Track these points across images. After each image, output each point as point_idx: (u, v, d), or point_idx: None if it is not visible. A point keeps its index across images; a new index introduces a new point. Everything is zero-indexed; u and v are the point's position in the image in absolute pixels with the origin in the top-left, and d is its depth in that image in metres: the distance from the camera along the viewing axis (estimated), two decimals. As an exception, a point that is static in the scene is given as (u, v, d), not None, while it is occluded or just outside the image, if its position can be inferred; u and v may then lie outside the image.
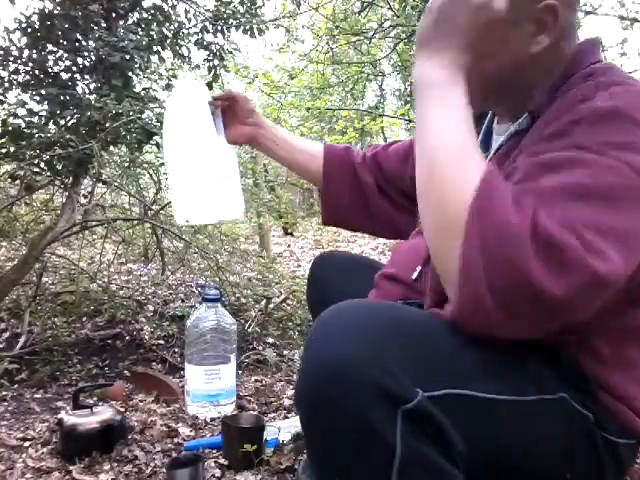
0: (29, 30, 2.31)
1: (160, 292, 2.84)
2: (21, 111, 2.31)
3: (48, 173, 2.33)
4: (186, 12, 2.71)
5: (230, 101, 1.17)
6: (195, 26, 2.73)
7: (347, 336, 0.58)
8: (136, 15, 2.59)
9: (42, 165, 2.29)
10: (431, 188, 0.66)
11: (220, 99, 1.15)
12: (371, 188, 1.19)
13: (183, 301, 2.75)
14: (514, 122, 0.81)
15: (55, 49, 2.36)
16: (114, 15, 2.47)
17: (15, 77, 2.35)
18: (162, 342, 2.27)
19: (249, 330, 2.44)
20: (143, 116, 2.30)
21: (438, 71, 0.69)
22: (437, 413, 0.58)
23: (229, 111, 1.17)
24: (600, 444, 0.72)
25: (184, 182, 1.02)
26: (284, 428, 1.42)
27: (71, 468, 1.26)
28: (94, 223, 2.71)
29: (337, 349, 0.57)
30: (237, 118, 1.18)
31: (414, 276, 0.93)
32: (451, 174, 0.64)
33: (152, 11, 2.57)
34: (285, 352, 2.32)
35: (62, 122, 2.35)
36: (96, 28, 2.32)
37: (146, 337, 2.27)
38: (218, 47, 2.76)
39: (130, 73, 2.43)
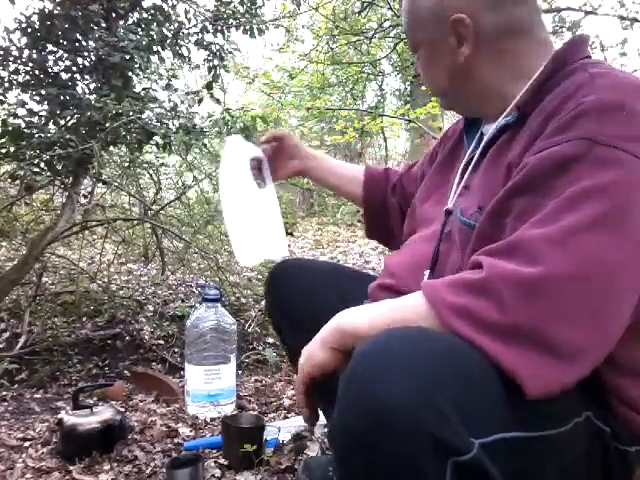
0: (29, 30, 2.31)
1: (160, 292, 2.84)
2: (21, 111, 2.31)
3: (48, 173, 2.33)
4: (186, 12, 2.71)
5: (276, 141, 1.23)
6: (195, 26, 2.73)
7: (397, 376, 0.54)
8: (136, 15, 2.59)
9: (42, 165, 2.29)
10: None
11: (267, 142, 1.22)
12: (396, 211, 1.22)
13: (183, 301, 2.75)
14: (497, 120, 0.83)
15: (55, 49, 2.36)
16: (114, 15, 2.47)
17: (15, 77, 2.35)
18: (162, 342, 2.27)
19: (249, 330, 2.44)
20: (143, 116, 2.30)
21: None
22: (487, 463, 0.55)
23: (277, 150, 1.23)
24: (613, 454, 0.71)
25: (235, 230, 1.16)
26: (284, 428, 1.42)
27: (71, 468, 1.26)
28: (94, 223, 2.71)
29: (385, 390, 0.53)
30: (285, 154, 1.24)
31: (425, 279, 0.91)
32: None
33: (152, 11, 2.57)
34: (285, 352, 2.32)
35: (62, 122, 2.35)
36: (96, 28, 2.32)
37: (146, 337, 2.27)
38: (218, 47, 2.76)
39: (130, 73, 2.43)
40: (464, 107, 0.92)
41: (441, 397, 0.53)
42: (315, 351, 0.73)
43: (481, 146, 0.85)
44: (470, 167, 0.86)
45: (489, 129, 0.85)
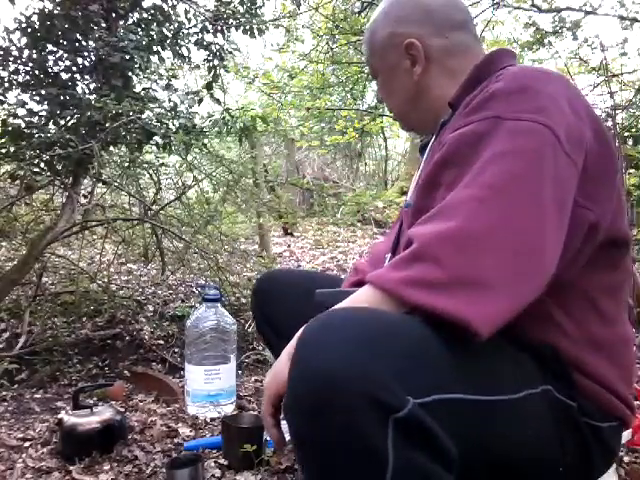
0: (29, 30, 2.31)
1: (160, 292, 2.84)
2: (21, 111, 2.31)
3: (48, 173, 2.33)
4: (186, 12, 2.70)
5: None
6: (195, 26, 2.73)
7: (334, 347, 0.57)
8: (136, 15, 2.59)
9: (42, 165, 2.29)
10: None
11: None
12: None
13: (183, 301, 2.75)
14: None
15: (55, 49, 2.36)
16: (114, 15, 2.47)
17: (15, 77, 2.35)
18: (162, 342, 2.27)
19: (249, 330, 2.44)
20: (143, 116, 2.30)
21: None
22: (428, 420, 0.58)
23: None
24: (586, 431, 0.74)
25: None
26: (284, 428, 1.41)
27: (71, 468, 1.26)
28: (94, 223, 2.71)
29: (324, 361, 0.56)
30: None
31: (386, 263, 0.95)
32: None
33: (152, 11, 2.57)
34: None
35: (62, 122, 2.35)
36: (96, 28, 2.32)
37: (146, 337, 2.27)
38: (218, 47, 2.76)
39: (130, 73, 2.43)
40: (422, 123, 1.01)
41: (375, 361, 0.57)
42: (282, 368, 0.70)
43: (429, 147, 0.96)
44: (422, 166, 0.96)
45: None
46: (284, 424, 0.78)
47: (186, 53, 2.72)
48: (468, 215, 0.65)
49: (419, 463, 0.58)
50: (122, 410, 1.59)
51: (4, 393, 1.82)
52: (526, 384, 0.69)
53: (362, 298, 0.69)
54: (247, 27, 2.74)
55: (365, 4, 4.28)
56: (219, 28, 2.72)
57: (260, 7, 2.83)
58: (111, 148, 2.55)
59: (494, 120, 0.71)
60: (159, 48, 2.57)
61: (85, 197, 2.65)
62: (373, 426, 0.56)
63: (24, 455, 1.34)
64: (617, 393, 0.76)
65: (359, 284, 0.92)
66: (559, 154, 0.68)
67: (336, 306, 0.71)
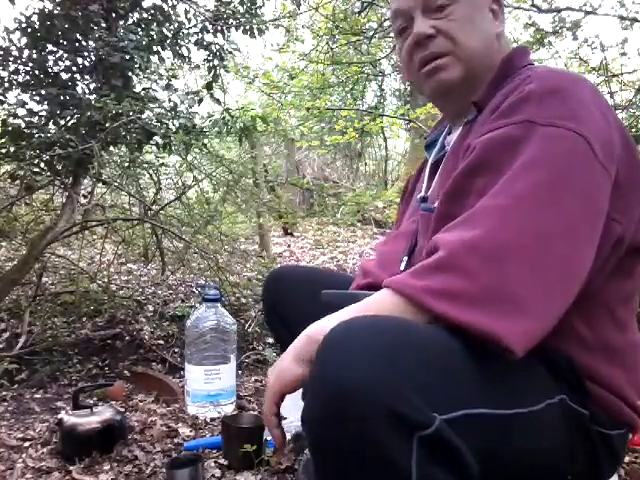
0: (29, 30, 2.31)
1: (160, 292, 2.84)
2: (21, 111, 2.31)
3: (48, 173, 2.33)
4: (186, 12, 2.70)
5: None
6: (195, 26, 2.73)
7: (359, 358, 0.55)
8: (136, 15, 2.59)
9: (42, 165, 2.29)
10: None
11: None
12: None
13: (183, 301, 2.75)
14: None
15: (55, 49, 2.36)
16: (114, 15, 2.47)
17: (15, 77, 2.34)
18: (162, 342, 2.27)
19: (249, 330, 2.44)
20: (143, 116, 2.30)
21: None
22: (453, 437, 0.56)
23: None
24: (596, 439, 0.73)
25: None
26: (284, 428, 1.41)
27: (71, 468, 1.26)
28: (94, 223, 2.71)
29: (348, 373, 0.54)
30: None
31: (402, 267, 0.94)
32: None
33: (152, 11, 2.57)
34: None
35: (62, 122, 2.35)
36: (96, 28, 2.32)
37: (146, 337, 2.27)
38: (218, 47, 2.75)
39: (130, 73, 2.43)
40: (465, 85, 0.88)
41: (398, 375, 0.55)
42: (287, 366, 0.70)
43: (451, 143, 0.90)
44: (442, 165, 0.92)
45: (452, 138, 0.92)
46: (285, 422, 0.78)
47: (186, 53, 2.72)
48: (497, 225, 0.63)
49: None
50: (122, 410, 1.59)
51: (4, 393, 1.82)
52: (544, 395, 0.68)
53: (380, 302, 0.67)
54: (247, 27, 2.74)
55: (365, 4, 4.28)
56: (219, 28, 2.72)
57: (260, 7, 2.83)
58: (111, 148, 2.55)
59: (527, 125, 0.68)
60: (159, 48, 2.57)
61: (85, 197, 2.65)
62: (397, 443, 0.54)
63: (24, 455, 1.33)
64: (627, 400, 0.76)
65: (369, 287, 0.91)
66: (593, 165, 0.66)
67: (351, 310, 0.68)
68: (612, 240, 0.70)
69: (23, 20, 2.30)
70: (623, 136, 0.73)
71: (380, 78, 7.92)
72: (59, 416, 1.39)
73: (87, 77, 2.44)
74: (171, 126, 2.45)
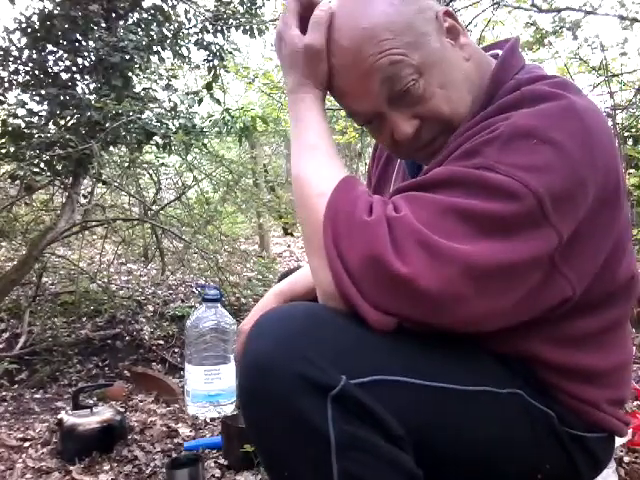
0: (29, 30, 2.32)
1: (160, 292, 2.84)
2: (21, 111, 2.32)
3: (48, 173, 2.34)
4: (186, 12, 2.71)
5: None
6: (195, 26, 2.73)
7: (269, 335, 0.61)
8: (136, 15, 2.59)
9: (42, 165, 2.29)
10: (301, 213, 0.69)
11: None
12: None
13: (183, 301, 2.75)
14: None
15: (55, 49, 2.37)
16: (114, 15, 2.47)
17: (15, 77, 2.35)
18: (162, 342, 2.27)
19: (249, 330, 2.44)
20: (143, 116, 2.30)
21: None
22: (366, 398, 0.60)
23: None
24: (567, 440, 0.72)
25: None
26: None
27: (71, 468, 1.26)
28: (94, 223, 2.71)
29: (261, 348, 0.60)
30: None
31: None
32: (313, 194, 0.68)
33: (152, 11, 2.57)
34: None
35: (62, 122, 2.36)
36: (96, 28, 2.32)
37: (146, 337, 2.27)
38: (218, 47, 2.76)
39: (130, 73, 2.43)
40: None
41: (308, 345, 0.59)
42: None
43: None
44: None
45: None
46: None
47: (186, 53, 2.73)
48: (418, 270, 0.59)
49: (362, 437, 0.60)
50: (122, 410, 1.59)
51: (4, 393, 1.82)
52: (486, 381, 0.68)
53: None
54: (247, 27, 2.74)
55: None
56: (219, 28, 2.72)
57: (260, 7, 2.84)
58: (111, 148, 2.55)
59: (483, 171, 0.62)
60: (159, 48, 2.57)
61: (85, 197, 2.66)
62: (312, 405, 0.58)
63: (24, 455, 1.33)
64: (605, 411, 0.73)
65: None
66: (536, 224, 0.61)
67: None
68: (555, 300, 0.66)
69: (23, 20, 2.30)
70: (611, 169, 0.67)
71: (380, 78, 7.89)
72: (59, 416, 1.39)
73: (87, 77, 2.44)
74: (171, 126, 2.45)
